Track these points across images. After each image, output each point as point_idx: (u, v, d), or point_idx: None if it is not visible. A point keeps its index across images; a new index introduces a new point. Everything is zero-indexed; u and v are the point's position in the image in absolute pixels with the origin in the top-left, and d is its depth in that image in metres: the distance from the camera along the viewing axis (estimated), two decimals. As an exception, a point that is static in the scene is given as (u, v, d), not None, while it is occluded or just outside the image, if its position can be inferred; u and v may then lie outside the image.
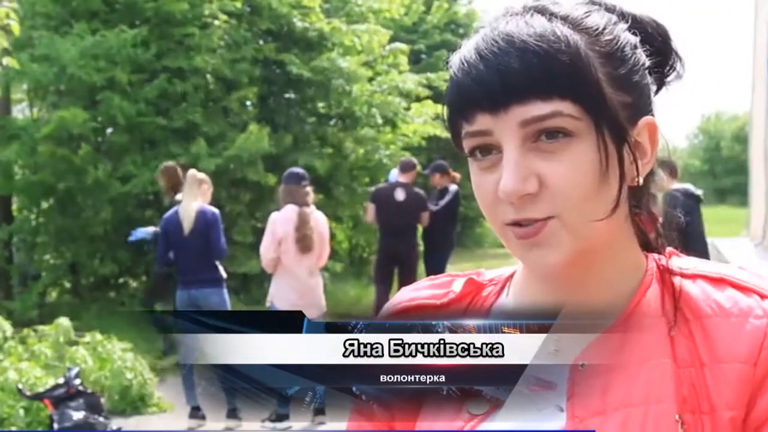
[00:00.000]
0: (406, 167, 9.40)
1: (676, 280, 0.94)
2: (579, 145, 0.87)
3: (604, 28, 0.90)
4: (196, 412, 6.52)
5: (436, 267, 9.04)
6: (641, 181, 0.92)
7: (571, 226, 0.88)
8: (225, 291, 6.63)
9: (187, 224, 6.39)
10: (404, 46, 14.71)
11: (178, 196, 6.72)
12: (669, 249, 0.97)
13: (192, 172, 6.66)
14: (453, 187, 9.68)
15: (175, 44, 12.11)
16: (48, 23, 11.98)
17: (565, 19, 0.89)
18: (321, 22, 13.25)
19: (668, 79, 0.97)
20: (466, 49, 0.90)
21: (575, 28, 0.89)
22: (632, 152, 0.90)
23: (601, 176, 0.88)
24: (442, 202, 9.50)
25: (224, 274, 6.67)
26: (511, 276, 1.03)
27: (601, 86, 0.87)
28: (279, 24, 13.20)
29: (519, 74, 0.85)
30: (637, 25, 0.94)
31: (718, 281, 0.93)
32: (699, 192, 8.82)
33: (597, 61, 0.88)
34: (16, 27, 7.00)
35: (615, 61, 0.90)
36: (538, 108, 0.85)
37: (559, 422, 0.90)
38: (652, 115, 0.94)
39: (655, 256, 0.97)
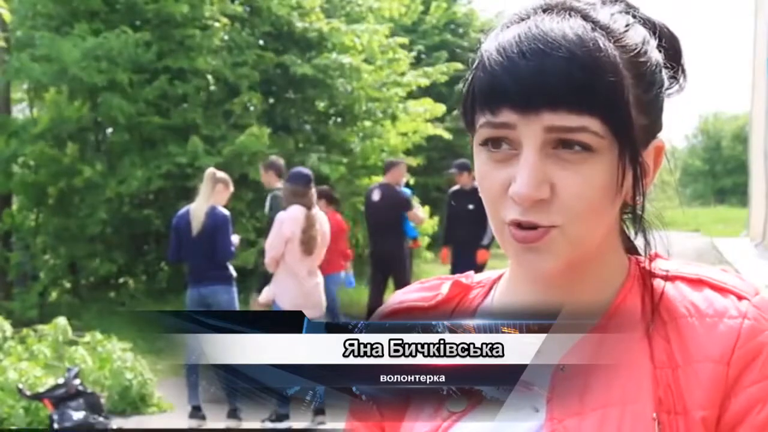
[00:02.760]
0: (386, 167, 9.41)
1: (656, 282, 0.94)
2: (596, 161, 0.87)
3: (640, 49, 0.90)
4: (196, 412, 6.53)
5: (462, 268, 8.81)
6: (641, 200, 0.92)
7: (571, 237, 0.88)
8: (234, 289, 6.65)
9: (196, 224, 6.42)
10: (403, 39, 14.70)
11: None
12: (653, 251, 0.97)
13: (211, 170, 6.65)
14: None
15: (176, 45, 12.12)
16: (49, 23, 11.99)
17: (606, 30, 0.88)
18: (321, 22, 13.27)
19: (670, 92, 0.97)
20: (505, 40, 0.88)
21: (615, 42, 0.88)
22: (640, 172, 0.90)
23: (611, 194, 0.89)
24: (488, 240, 8.93)
25: (234, 273, 6.70)
26: (499, 278, 1.04)
27: (630, 109, 0.88)
28: (279, 25, 13.21)
29: (559, 82, 0.85)
30: (656, 34, 0.94)
31: (696, 282, 0.93)
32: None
33: (630, 82, 0.88)
34: (7, 15, 7.02)
35: (644, 85, 0.90)
36: (568, 119, 0.85)
37: (533, 422, 0.91)
38: (660, 134, 0.95)
39: (639, 258, 0.98)
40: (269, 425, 6.31)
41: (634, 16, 0.93)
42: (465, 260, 8.73)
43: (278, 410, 6.39)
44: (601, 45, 0.86)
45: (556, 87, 0.85)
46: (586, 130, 0.85)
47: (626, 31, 0.90)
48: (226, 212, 6.63)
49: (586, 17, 0.89)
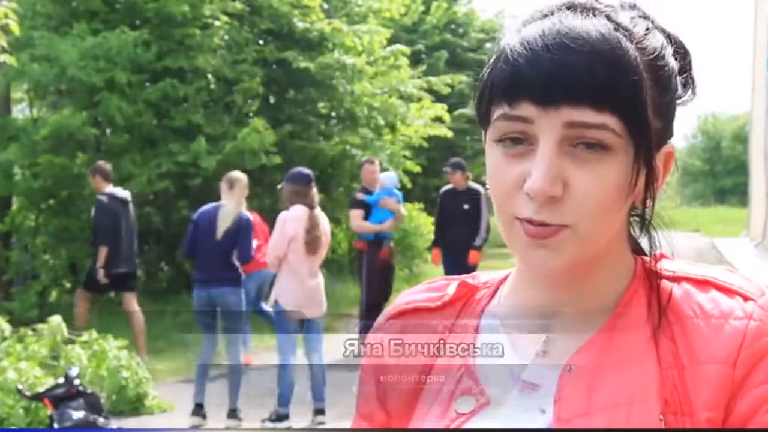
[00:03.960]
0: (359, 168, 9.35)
1: (663, 282, 0.94)
2: (611, 161, 0.87)
3: (659, 53, 0.91)
4: (198, 410, 6.54)
5: (456, 269, 8.55)
6: (651, 203, 0.93)
7: (582, 236, 0.89)
8: (242, 290, 6.69)
9: (223, 226, 6.45)
10: (405, 48, 14.71)
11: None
12: (659, 252, 0.97)
13: (243, 176, 6.70)
14: (479, 189, 8.99)
15: (176, 45, 12.11)
16: (48, 23, 11.98)
17: (628, 31, 0.89)
18: (322, 23, 13.26)
19: (680, 101, 0.97)
20: (529, 34, 0.89)
21: (636, 44, 0.89)
22: (652, 176, 0.91)
23: (623, 194, 0.89)
24: (481, 241, 8.86)
25: (242, 274, 6.74)
26: (505, 279, 1.05)
27: (647, 110, 0.88)
28: (279, 24, 13.21)
29: (582, 77, 0.85)
30: (670, 43, 0.95)
31: (702, 283, 0.93)
32: (125, 195, 8.71)
33: (648, 84, 0.88)
34: (15, 27, 6.99)
35: (660, 88, 0.91)
36: (588, 115, 0.85)
37: (539, 423, 0.91)
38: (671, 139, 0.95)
39: (644, 258, 0.98)
40: (269, 425, 6.31)
41: (651, 23, 0.94)
42: (459, 261, 8.65)
43: (278, 410, 6.39)
44: (624, 45, 0.87)
45: (578, 82, 0.85)
46: (604, 128, 0.86)
47: (646, 34, 0.91)
48: (250, 216, 6.71)
49: (609, 18, 0.90)
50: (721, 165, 49.02)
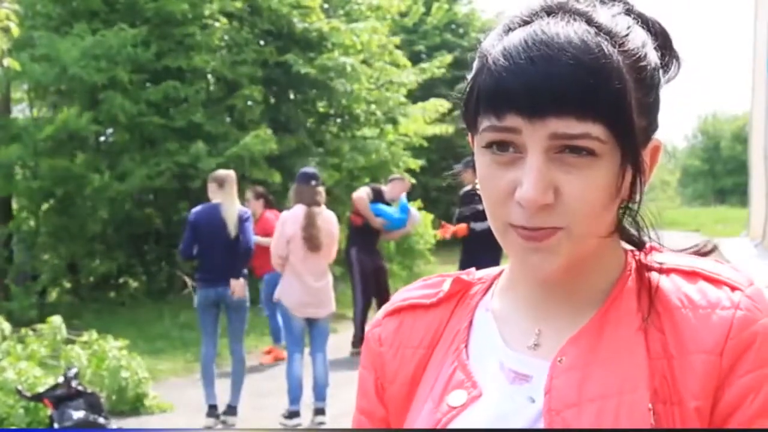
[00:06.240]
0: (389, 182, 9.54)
1: (652, 274, 0.95)
2: (599, 165, 0.87)
3: (641, 54, 0.90)
4: (213, 411, 6.54)
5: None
6: (639, 198, 0.93)
7: (575, 237, 0.89)
8: (247, 288, 6.67)
9: (232, 224, 6.41)
10: (395, 39, 14.71)
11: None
12: (650, 244, 0.98)
13: (229, 172, 6.67)
14: None
15: (176, 44, 12.12)
16: (48, 23, 11.99)
17: (609, 34, 0.89)
18: (321, 22, 13.27)
19: (663, 82, 0.96)
20: (511, 44, 0.88)
21: (619, 47, 0.88)
22: (640, 173, 0.91)
23: (613, 195, 0.90)
24: (480, 227, 8.93)
25: (246, 271, 6.73)
26: (499, 275, 1.06)
27: (632, 114, 0.88)
28: (279, 24, 13.21)
29: (567, 88, 0.85)
30: (650, 31, 0.95)
31: (690, 274, 0.94)
32: None
33: (631, 86, 0.88)
34: (16, 30, 6.99)
35: (644, 88, 0.90)
36: (572, 126, 0.85)
37: (529, 412, 0.92)
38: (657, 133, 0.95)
39: (635, 251, 0.99)
40: (270, 425, 6.32)
41: (629, 13, 0.94)
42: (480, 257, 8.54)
43: (290, 407, 6.40)
44: (606, 51, 0.87)
45: (563, 94, 0.85)
46: (588, 137, 0.86)
47: (627, 34, 0.90)
48: (249, 211, 6.73)
49: (589, 21, 0.89)
50: (721, 165, 49.00)
